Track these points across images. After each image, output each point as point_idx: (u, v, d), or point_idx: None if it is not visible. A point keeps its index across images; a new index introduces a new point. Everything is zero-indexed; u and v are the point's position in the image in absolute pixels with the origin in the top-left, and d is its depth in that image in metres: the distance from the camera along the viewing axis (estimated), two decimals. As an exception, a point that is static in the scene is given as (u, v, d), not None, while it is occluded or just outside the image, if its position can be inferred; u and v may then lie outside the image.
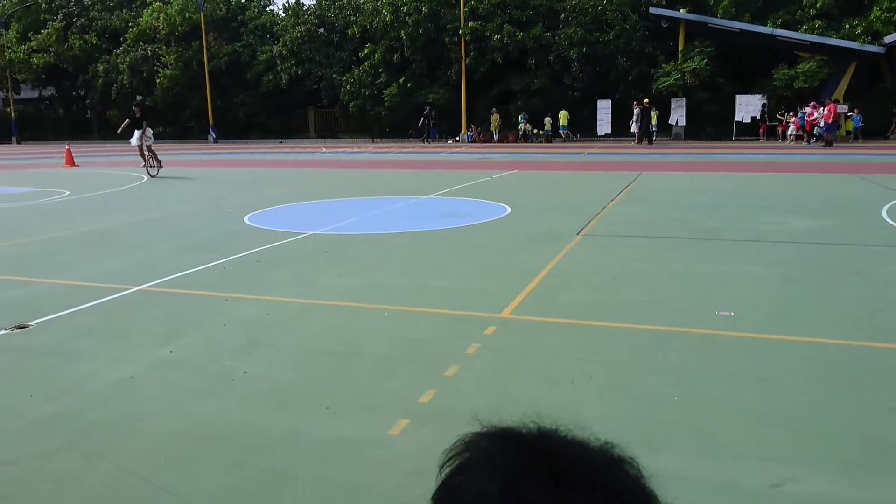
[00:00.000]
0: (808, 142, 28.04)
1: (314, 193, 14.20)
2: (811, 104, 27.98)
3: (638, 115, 30.62)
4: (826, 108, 26.56)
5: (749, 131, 31.02)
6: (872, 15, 29.09)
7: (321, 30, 40.94)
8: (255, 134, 42.52)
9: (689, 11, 31.70)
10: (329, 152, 29.90)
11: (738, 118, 30.87)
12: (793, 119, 29.16)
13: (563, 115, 33.44)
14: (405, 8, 35.61)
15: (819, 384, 3.97)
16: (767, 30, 29.97)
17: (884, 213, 9.95)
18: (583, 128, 34.42)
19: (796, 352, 4.49)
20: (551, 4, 35.46)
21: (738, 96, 30.84)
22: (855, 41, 28.55)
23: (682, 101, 31.93)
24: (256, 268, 7.25)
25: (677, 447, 3.27)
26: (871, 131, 28.65)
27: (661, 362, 4.35)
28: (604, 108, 33.87)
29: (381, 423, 3.51)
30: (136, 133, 17.74)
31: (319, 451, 3.29)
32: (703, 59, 30.83)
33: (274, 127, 42.08)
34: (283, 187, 15.76)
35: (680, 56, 31.95)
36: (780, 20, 30.84)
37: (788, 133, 29.45)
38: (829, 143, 26.35)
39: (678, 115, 32.33)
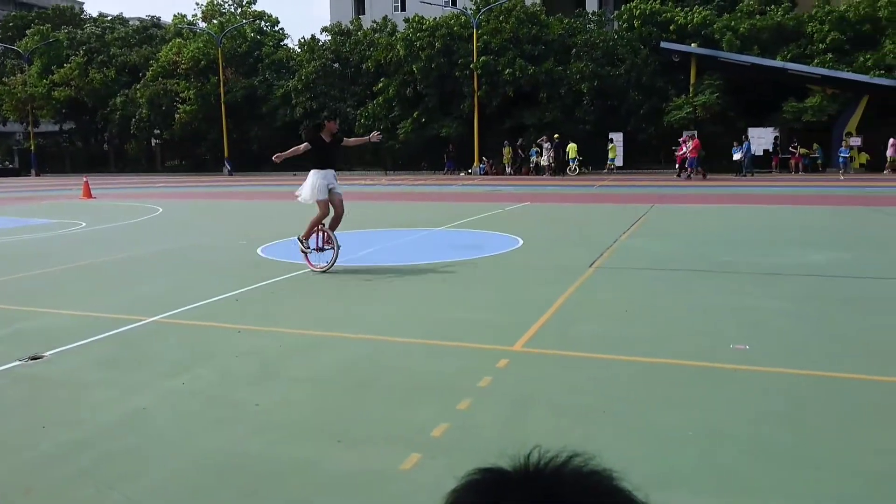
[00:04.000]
0: (679, 175, 29.31)
1: (327, 225, 14.27)
2: (681, 139, 29.43)
3: (549, 147, 32.55)
4: (691, 143, 28.52)
5: (762, 164, 31.03)
6: (885, 49, 29.25)
7: (336, 65, 41.60)
8: (269, 166, 42.94)
9: (699, 46, 31.98)
10: (342, 185, 30.13)
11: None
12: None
13: (571, 148, 33.55)
14: (419, 43, 36.14)
15: (838, 420, 3.91)
16: (778, 63, 30.17)
17: (900, 246, 9.87)
18: (594, 161, 34.55)
19: (814, 387, 4.43)
20: (563, 39, 35.90)
21: (750, 129, 30.92)
22: (867, 74, 28.66)
23: (694, 134, 32.06)
24: (269, 299, 7.27)
25: (693, 485, 3.22)
26: (881, 165, 28.61)
27: (676, 396, 4.30)
28: (616, 141, 34.04)
29: (392, 456, 3.48)
30: (316, 178, 8.76)
31: (331, 483, 3.27)
32: (714, 92, 31.02)
33: (288, 159, 42.44)
34: (296, 219, 15.86)
35: (691, 90, 32.15)
36: (789, 54, 31.03)
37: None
38: (703, 175, 28.26)
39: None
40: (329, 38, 42.86)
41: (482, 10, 36.10)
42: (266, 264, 9.43)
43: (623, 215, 14.82)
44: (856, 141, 27.72)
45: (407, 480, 3.27)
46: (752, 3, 33.11)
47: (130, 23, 53.66)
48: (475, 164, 35.92)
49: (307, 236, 8.87)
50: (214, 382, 4.73)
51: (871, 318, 6.16)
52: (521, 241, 11.04)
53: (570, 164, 33.72)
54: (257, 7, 47.90)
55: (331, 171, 8.93)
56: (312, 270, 8.65)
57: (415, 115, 37.12)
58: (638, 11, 34.30)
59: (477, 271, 8.68)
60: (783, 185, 24.31)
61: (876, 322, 6.01)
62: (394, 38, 38.67)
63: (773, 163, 31.01)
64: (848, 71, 29.22)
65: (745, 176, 28.49)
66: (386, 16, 43.32)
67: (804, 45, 31.31)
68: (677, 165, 29.59)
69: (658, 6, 34.23)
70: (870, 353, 5.13)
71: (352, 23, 43.63)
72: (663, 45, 32.43)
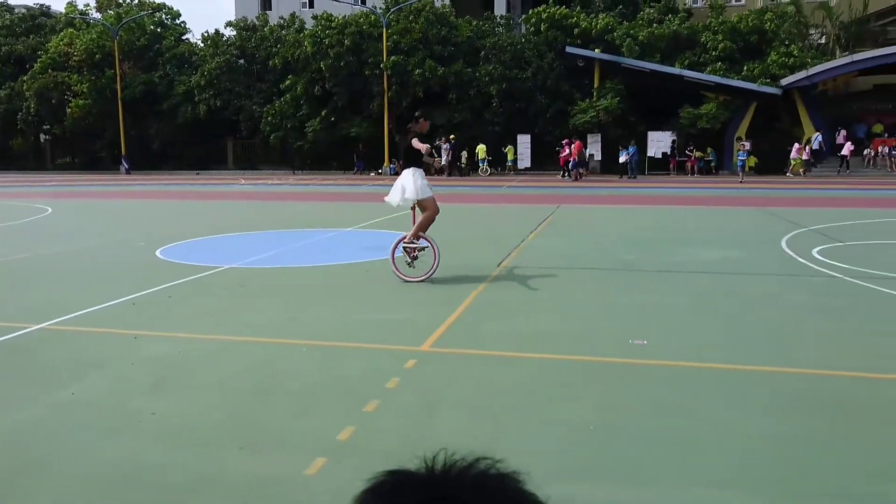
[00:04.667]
0: (563, 177, 30.98)
1: (232, 226, 13.86)
2: (564, 142, 31.14)
3: (447, 149, 32.60)
4: (574, 146, 30.36)
5: (661, 166, 32.46)
6: (769, 59, 31.24)
7: (241, 61, 40.44)
8: (170, 165, 41.32)
9: (602, 51, 33.08)
10: (248, 184, 29.36)
11: (649, 153, 32.28)
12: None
13: (480, 149, 33.94)
14: (327, 41, 35.67)
15: (732, 409, 4.11)
16: (675, 70, 31.60)
17: (783, 244, 10.52)
18: (502, 162, 35.11)
19: (710, 378, 4.65)
20: (472, 41, 36.28)
21: (649, 133, 32.27)
22: (754, 83, 30.50)
23: (598, 137, 33.16)
24: (168, 303, 6.98)
25: (596, 476, 3.31)
26: (768, 168, 30.47)
27: (581, 392, 4.42)
28: (524, 143, 34.72)
29: (297, 462, 3.41)
30: (418, 176, 8.51)
31: (233, 492, 3.16)
32: (616, 97, 32.16)
33: (191, 158, 40.98)
34: (198, 220, 15.33)
35: (595, 94, 33.20)
36: (686, 61, 32.60)
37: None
38: (577, 178, 29.83)
39: (594, 150, 33.57)
40: (234, 33, 41.60)
41: (392, 10, 36.01)
42: (166, 267, 9.04)
43: (530, 215, 15.11)
44: (746, 145, 29.40)
45: (312, 485, 3.21)
46: (651, 12, 34.54)
47: (16, 10, 50.23)
48: (385, 165, 35.79)
49: (417, 236, 8.32)
50: (107, 392, 4.49)
51: (761, 311, 6.53)
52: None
53: (480, 164, 34.15)
54: (157, -2, 45.83)
55: (419, 172, 8.56)
56: (403, 279, 7.95)
57: (323, 113, 36.57)
58: (545, 16, 35.10)
59: (384, 272, 8.64)
60: (681, 186, 25.46)
61: (765, 315, 6.38)
62: (301, 35, 37.97)
63: (671, 165, 32.49)
64: (737, 79, 30.99)
65: (631, 178, 29.89)
66: (294, 12, 42.43)
67: (699, 53, 32.96)
68: (561, 167, 30.90)
69: (564, 11, 35.15)
70: (760, 344, 5.43)
71: (258, 18, 42.52)
72: (568, 49, 33.29)
